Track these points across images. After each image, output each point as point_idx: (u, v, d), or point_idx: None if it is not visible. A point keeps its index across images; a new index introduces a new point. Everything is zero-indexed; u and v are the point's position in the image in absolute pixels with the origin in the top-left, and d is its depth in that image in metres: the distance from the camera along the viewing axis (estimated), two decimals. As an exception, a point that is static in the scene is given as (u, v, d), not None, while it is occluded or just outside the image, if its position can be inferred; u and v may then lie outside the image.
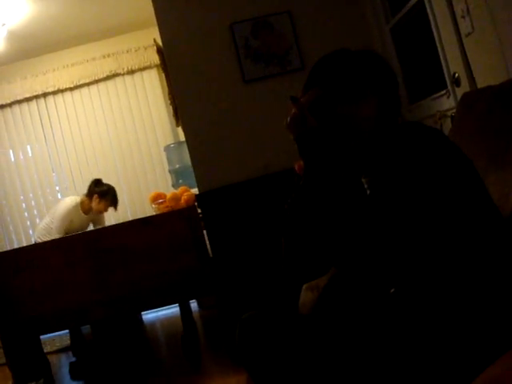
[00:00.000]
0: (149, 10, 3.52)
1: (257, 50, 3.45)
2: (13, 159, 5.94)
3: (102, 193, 4.76)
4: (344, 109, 1.34)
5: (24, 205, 5.92)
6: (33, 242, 4.95)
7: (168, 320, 5.27)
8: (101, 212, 4.90)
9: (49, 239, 4.54)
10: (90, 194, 4.79)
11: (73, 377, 3.90)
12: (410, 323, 1.26)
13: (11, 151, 5.95)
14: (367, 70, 1.37)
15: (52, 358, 4.19)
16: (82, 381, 3.87)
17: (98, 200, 4.73)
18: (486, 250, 1.20)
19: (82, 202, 4.79)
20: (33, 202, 5.91)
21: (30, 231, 5.85)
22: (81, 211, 4.81)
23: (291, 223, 1.39)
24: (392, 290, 1.37)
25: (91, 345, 4.59)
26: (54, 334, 4.86)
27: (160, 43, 3.81)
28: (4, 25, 4.76)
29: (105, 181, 4.97)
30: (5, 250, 4.86)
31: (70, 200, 4.81)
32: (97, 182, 4.86)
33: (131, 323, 5.04)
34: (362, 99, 1.34)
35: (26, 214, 5.90)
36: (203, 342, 4.03)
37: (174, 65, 3.46)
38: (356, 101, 1.34)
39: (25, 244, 5.46)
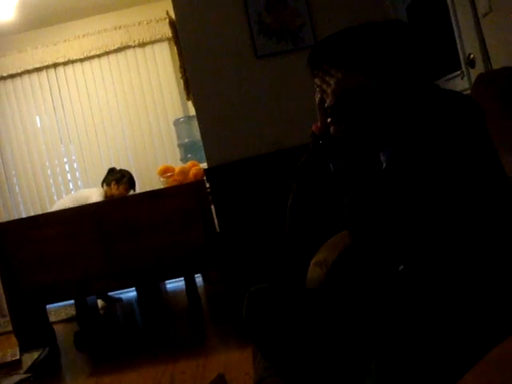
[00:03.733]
0: (162, -18, 3.49)
1: (270, 25, 3.41)
2: (21, 129, 5.93)
3: (118, 179, 4.88)
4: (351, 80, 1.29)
5: (32, 175, 5.93)
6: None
7: (173, 293, 5.31)
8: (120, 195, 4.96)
9: None
10: (108, 182, 4.90)
11: (77, 346, 3.95)
12: (417, 300, 1.26)
13: (20, 121, 5.94)
14: (362, 39, 1.32)
15: (57, 328, 4.23)
16: (87, 350, 3.91)
17: (116, 186, 4.86)
18: (498, 230, 1.19)
19: (105, 193, 4.89)
20: (40, 173, 5.92)
21: (38, 202, 5.87)
22: None
23: (301, 188, 1.42)
24: (401, 268, 1.38)
25: (96, 315, 4.64)
26: (59, 303, 4.91)
27: (173, 16, 3.78)
28: (16, -7, 4.73)
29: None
30: (12, 219, 4.87)
31: (96, 195, 4.84)
32: (111, 171, 5.00)
33: (150, 294, 5.11)
34: (358, 70, 1.29)
35: (33, 184, 5.91)
36: (207, 317, 4.06)
37: (187, 38, 3.43)
38: (354, 71, 1.29)
39: (32, 214, 5.47)
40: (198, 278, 4.89)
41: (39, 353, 3.49)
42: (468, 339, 1.13)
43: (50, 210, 5.03)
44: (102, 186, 4.93)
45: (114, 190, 4.83)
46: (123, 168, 5.10)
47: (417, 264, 1.30)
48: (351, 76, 1.28)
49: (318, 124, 1.44)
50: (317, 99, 1.41)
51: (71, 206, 4.72)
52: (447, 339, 1.15)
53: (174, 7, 3.41)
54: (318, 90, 1.39)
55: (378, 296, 1.38)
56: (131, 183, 4.93)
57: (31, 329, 3.69)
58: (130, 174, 4.96)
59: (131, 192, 4.94)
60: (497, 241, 1.19)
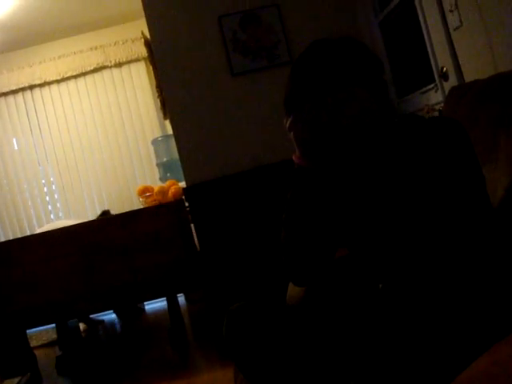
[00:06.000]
0: (137, 2, 3.50)
1: (245, 43, 3.44)
2: (-2, 152, 5.89)
3: None
4: (331, 110, 1.25)
5: (10, 198, 5.86)
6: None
7: (155, 314, 5.27)
8: None
9: None
10: None
11: (59, 371, 3.89)
12: (396, 318, 1.26)
13: (-3, 144, 5.90)
14: (350, 61, 1.30)
15: (39, 353, 4.17)
16: (69, 375, 3.86)
17: None
18: (479, 245, 1.19)
19: None
20: (19, 195, 5.85)
21: (16, 225, 5.81)
22: None
23: (293, 216, 1.36)
24: (380, 286, 1.38)
25: (78, 338, 4.58)
26: (40, 327, 4.84)
27: (148, 36, 3.79)
28: (-10, 16, 4.71)
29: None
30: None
31: None
32: (103, 213, 4.93)
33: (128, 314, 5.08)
34: (347, 93, 1.26)
35: (11, 207, 5.84)
36: (190, 336, 4.03)
37: (162, 57, 3.44)
38: (342, 96, 1.25)
39: (11, 238, 5.40)
40: (181, 298, 4.85)
41: (20, 379, 3.43)
42: (448, 358, 1.13)
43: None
44: None
45: None
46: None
47: (396, 282, 1.30)
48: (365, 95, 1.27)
49: (298, 153, 1.34)
50: (297, 132, 1.30)
51: None
52: (427, 358, 1.15)
53: (149, 27, 3.43)
54: (295, 122, 1.30)
55: (358, 313, 1.38)
56: None
57: (11, 354, 3.63)
58: None
59: None
60: (476, 253, 1.19)
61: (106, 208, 5.09)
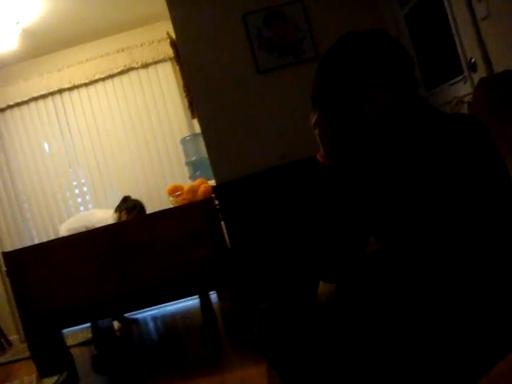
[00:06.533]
0: (161, 3, 3.52)
1: (270, 40, 3.44)
2: (31, 156, 5.99)
3: (129, 209, 4.88)
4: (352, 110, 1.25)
5: (43, 200, 5.97)
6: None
7: (188, 312, 5.31)
8: None
9: None
10: (120, 210, 4.92)
11: (95, 370, 3.95)
12: (427, 312, 1.25)
13: (29, 148, 5.99)
14: (374, 59, 1.28)
15: (75, 352, 4.24)
16: (105, 373, 3.91)
17: (126, 216, 4.85)
18: (503, 240, 1.18)
19: (117, 219, 4.92)
20: (51, 198, 5.95)
21: (50, 227, 5.91)
22: None
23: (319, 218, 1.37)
24: (410, 279, 1.37)
25: (113, 337, 4.64)
26: (76, 327, 4.92)
27: (173, 36, 3.82)
28: (18, 23, 4.79)
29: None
30: (25, 245, 4.89)
31: (106, 216, 4.92)
32: (124, 200, 5.00)
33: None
34: (367, 94, 1.25)
35: (44, 209, 5.94)
36: (223, 334, 4.05)
37: (188, 58, 3.46)
38: (363, 95, 1.25)
39: (45, 239, 5.50)
40: (213, 295, 4.88)
41: (58, 378, 3.49)
42: (476, 348, 1.13)
43: (59, 229, 5.19)
44: (116, 211, 4.97)
45: (124, 218, 4.85)
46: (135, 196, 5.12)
47: (425, 276, 1.29)
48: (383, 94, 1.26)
49: (322, 152, 1.33)
50: (321, 128, 1.30)
51: (82, 225, 4.81)
52: (460, 349, 1.14)
53: (174, 28, 3.45)
54: (322, 117, 1.30)
55: (390, 307, 1.38)
56: (141, 214, 4.95)
57: (49, 354, 3.69)
58: (141, 205, 4.97)
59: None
60: (503, 251, 1.18)
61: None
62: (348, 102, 1.24)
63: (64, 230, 4.99)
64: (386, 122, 1.24)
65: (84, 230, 4.74)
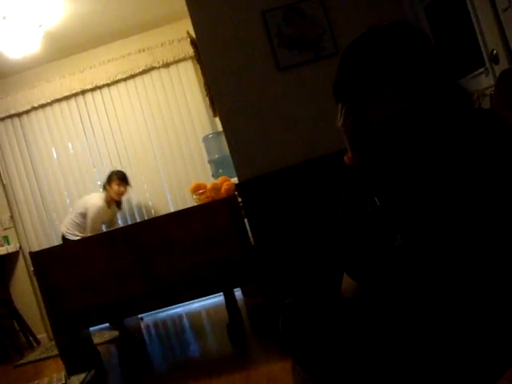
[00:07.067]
0: (181, 2, 3.54)
1: (290, 36, 3.43)
2: (55, 156, 6.08)
3: (108, 179, 5.42)
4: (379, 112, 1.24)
5: (68, 200, 6.06)
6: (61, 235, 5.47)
7: (213, 309, 5.34)
8: (121, 194, 5.45)
9: (80, 234, 5.18)
10: (104, 187, 5.43)
11: (123, 367, 3.99)
12: (452, 312, 1.25)
13: (53, 149, 6.09)
14: (392, 60, 1.27)
15: (102, 349, 4.29)
16: (132, 370, 3.95)
17: (108, 187, 5.37)
18: None
19: (105, 198, 5.39)
20: (77, 198, 6.01)
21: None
22: (106, 207, 5.38)
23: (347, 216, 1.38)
24: (435, 275, 1.37)
25: (138, 335, 4.69)
26: (102, 325, 4.98)
27: (193, 35, 3.83)
28: (41, 26, 4.85)
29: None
30: (52, 245, 4.97)
31: (97, 200, 5.34)
32: (109, 176, 5.49)
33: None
34: (376, 96, 1.25)
35: (70, 209, 6.02)
36: (249, 330, 4.07)
37: (208, 56, 3.47)
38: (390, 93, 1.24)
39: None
40: (237, 292, 4.91)
41: (86, 375, 3.54)
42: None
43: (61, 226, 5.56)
44: (105, 189, 5.42)
45: (110, 190, 5.38)
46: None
47: (450, 273, 1.29)
48: (396, 98, 1.25)
49: (350, 154, 1.33)
50: (346, 127, 1.31)
51: (79, 212, 5.35)
52: (484, 349, 1.14)
53: (194, 27, 3.46)
54: (346, 117, 1.30)
55: (416, 303, 1.38)
56: (121, 179, 5.43)
57: (77, 351, 3.75)
58: (119, 172, 5.51)
59: (128, 188, 5.47)
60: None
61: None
62: (364, 99, 1.24)
63: (68, 222, 5.41)
64: (393, 126, 1.23)
65: (75, 216, 5.36)
